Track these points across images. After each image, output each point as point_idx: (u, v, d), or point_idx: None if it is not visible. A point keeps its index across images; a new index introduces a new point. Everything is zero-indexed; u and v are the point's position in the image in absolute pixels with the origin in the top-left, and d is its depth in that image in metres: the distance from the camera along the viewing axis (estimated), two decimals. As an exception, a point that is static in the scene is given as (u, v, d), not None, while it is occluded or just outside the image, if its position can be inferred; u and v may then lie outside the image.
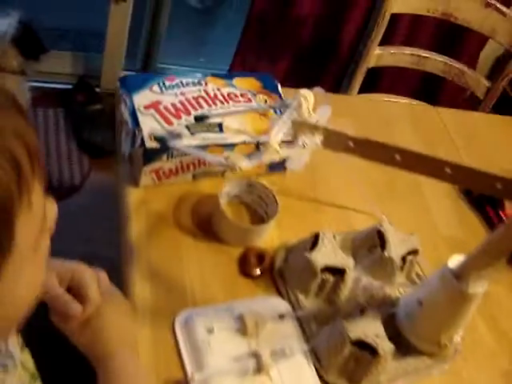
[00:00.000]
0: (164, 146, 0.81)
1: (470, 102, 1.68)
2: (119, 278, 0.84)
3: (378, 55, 1.53)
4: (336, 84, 1.95)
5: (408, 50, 1.57)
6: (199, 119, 0.87)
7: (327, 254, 0.84)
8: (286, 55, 1.94)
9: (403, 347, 0.83)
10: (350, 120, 1.20)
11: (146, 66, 2.14)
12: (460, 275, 0.76)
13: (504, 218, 1.09)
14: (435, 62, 1.58)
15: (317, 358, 0.80)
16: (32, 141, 0.38)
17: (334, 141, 0.71)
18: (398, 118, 1.28)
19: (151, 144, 0.85)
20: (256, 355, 0.75)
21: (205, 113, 0.89)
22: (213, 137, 0.90)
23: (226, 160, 0.66)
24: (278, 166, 1.00)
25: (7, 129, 0.36)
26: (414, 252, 0.92)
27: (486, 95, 1.61)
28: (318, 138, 0.70)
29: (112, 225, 1.83)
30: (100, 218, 1.84)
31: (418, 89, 2.00)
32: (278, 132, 0.69)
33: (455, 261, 0.78)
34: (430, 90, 2.00)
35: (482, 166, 1.24)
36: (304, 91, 0.75)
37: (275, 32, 1.89)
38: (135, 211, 0.88)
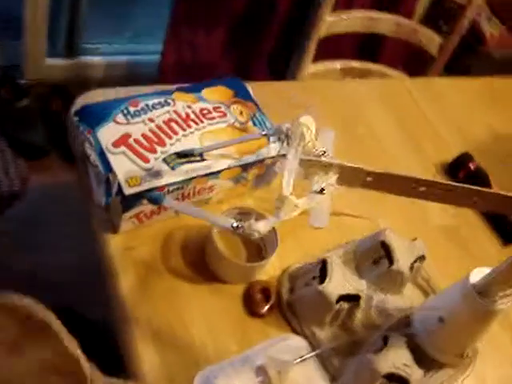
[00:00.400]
0: (155, 201, 0.71)
1: (421, 61, 1.63)
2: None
3: (330, 23, 1.44)
4: (278, 56, 1.85)
5: (360, 14, 1.48)
6: (183, 156, 0.77)
7: (340, 283, 0.78)
8: (221, 27, 1.81)
9: (424, 361, 0.80)
10: (320, 106, 1.13)
11: (69, 49, 1.95)
12: (484, 292, 0.72)
13: (492, 196, 1.07)
14: (387, 23, 1.51)
15: (345, 396, 0.76)
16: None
17: (351, 177, 0.63)
18: (366, 97, 1.21)
19: (130, 190, 0.74)
20: (287, 411, 0.70)
21: (188, 149, 0.79)
22: (195, 167, 0.80)
23: (241, 227, 0.58)
24: (263, 179, 0.92)
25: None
26: (421, 258, 0.87)
27: (440, 52, 1.56)
28: (333, 177, 0.63)
29: (61, 230, 1.70)
30: (48, 224, 1.71)
31: (361, 50, 1.93)
32: (289, 179, 0.60)
33: (477, 275, 0.74)
34: (371, 49, 1.94)
35: (456, 133, 1.22)
36: (304, 119, 0.66)
37: (209, 2, 1.75)
38: (120, 263, 0.79)
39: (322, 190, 0.61)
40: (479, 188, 0.60)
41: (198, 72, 1.89)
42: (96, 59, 1.97)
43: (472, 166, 1.09)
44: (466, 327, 0.77)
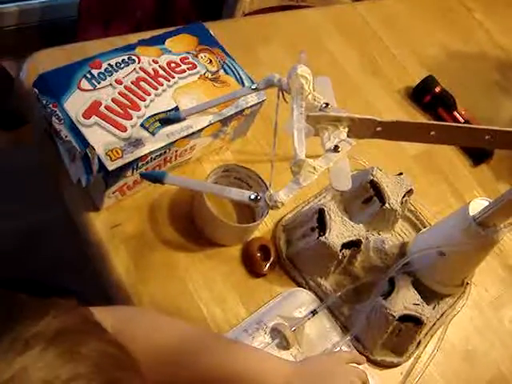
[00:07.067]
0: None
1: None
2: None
3: None
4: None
5: None
6: (168, 122, 0.70)
7: (340, 232, 0.76)
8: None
9: (426, 295, 0.80)
10: (280, 40, 1.07)
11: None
12: (485, 223, 0.73)
13: (460, 117, 1.07)
14: None
15: (359, 342, 0.76)
16: None
17: (361, 129, 0.60)
18: (322, 26, 1.16)
19: (113, 164, 0.68)
20: (310, 369, 0.69)
21: (173, 115, 0.72)
22: (176, 129, 0.73)
23: (260, 199, 0.53)
24: (240, 129, 0.87)
25: None
26: (408, 192, 0.87)
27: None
28: (344, 131, 0.59)
29: None
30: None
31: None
32: (301, 139, 0.56)
33: (476, 207, 0.75)
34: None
35: (414, 56, 1.20)
36: (301, 70, 0.61)
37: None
38: (110, 244, 0.73)
39: (336, 148, 0.57)
40: (493, 127, 0.58)
41: (121, 10, 1.75)
42: (6, 6, 1.77)
43: (437, 89, 1.08)
44: (468, 258, 0.78)
